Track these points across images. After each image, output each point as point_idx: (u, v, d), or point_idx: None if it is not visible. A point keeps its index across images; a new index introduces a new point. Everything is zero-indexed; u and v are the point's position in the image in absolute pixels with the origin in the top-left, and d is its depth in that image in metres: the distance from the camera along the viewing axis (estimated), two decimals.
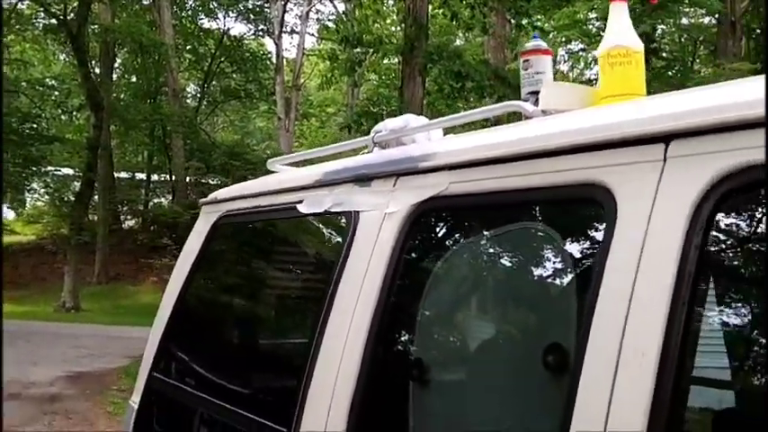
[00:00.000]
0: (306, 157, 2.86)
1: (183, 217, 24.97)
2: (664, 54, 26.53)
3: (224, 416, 2.36)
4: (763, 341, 1.24)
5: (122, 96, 29.34)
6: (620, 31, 1.85)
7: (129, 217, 30.08)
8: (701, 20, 24.28)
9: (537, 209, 1.65)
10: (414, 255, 1.93)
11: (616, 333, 1.29)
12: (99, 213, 26.13)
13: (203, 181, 28.44)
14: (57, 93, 29.21)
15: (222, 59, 30.71)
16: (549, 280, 1.65)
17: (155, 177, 31.21)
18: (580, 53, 25.42)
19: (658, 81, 20.79)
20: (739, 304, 1.30)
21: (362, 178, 2.11)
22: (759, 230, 1.27)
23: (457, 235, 1.98)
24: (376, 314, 1.83)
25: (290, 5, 30.24)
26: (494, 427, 1.63)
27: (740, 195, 1.25)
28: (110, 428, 8.40)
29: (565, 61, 29.01)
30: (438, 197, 1.81)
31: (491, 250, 1.82)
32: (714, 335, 1.29)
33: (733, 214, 1.28)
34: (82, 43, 22.19)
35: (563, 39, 24.12)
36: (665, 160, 1.35)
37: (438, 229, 2.02)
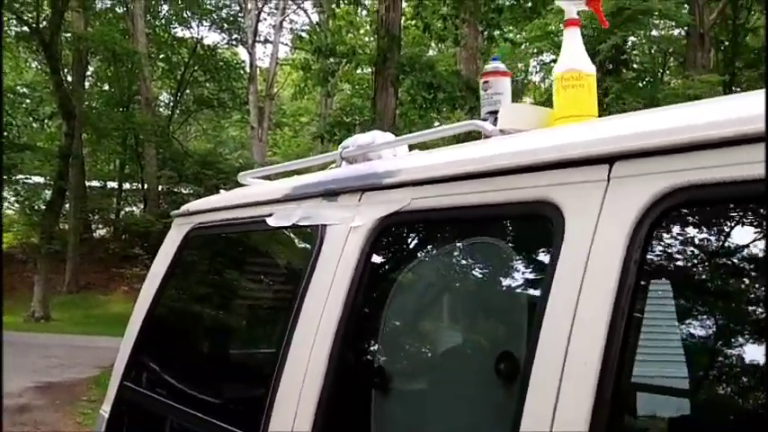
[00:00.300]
0: (276, 171, 2.93)
1: (155, 226, 24.83)
2: (635, 65, 26.94)
3: (194, 424, 2.42)
4: (697, 349, 1.34)
5: (95, 105, 29.11)
6: (574, 55, 1.95)
7: (100, 226, 29.83)
8: (671, 31, 24.67)
9: (493, 224, 1.74)
10: (377, 267, 2.01)
11: (562, 341, 1.38)
12: (70, 222, 25.89)
13: (175, 190, 28.30)
14: (28, 100, 28.92)
15: (195, 68, 30.62)
16: (503, 291, 1.74)
17: (126, 186, 31.00)
18: (552, 64, 25.74)
19: (629, 92, 21.14)
20: (674, 315, 1.39)
21: (330, 193, 2.19)
22: (692, 247, 1.36)
23: (418, 248, 2.06)
24: (341, 324, 1.91)
25: (263, 15, 30.28)
26: (449, 428, 1.71)
27: (675, 214, 1.35)
28: None
29: (536, 72, 29.37)
30: (401, 212, 1.89)
31: (450, 263, 1.91)
32: (652, 344, 1.38)
33: (668, 231, 1.37)
34: (55, 51, 22.02)
35: (534, 50, 24.44)
36: (608, 180, 1.45)
37: (400, 243, 2.10)
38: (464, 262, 1.87)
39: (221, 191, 3.15)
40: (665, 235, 1.37)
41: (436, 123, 23.85)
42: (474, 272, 1.88)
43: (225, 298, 2.95)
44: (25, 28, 23.05)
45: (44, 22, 22.68)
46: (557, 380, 1.36)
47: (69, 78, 26.37)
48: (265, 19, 30.79)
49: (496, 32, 16.22)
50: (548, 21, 20.00)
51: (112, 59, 27.44)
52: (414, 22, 16.38)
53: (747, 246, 1.31)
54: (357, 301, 1.91)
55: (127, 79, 29.12)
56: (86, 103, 27.43)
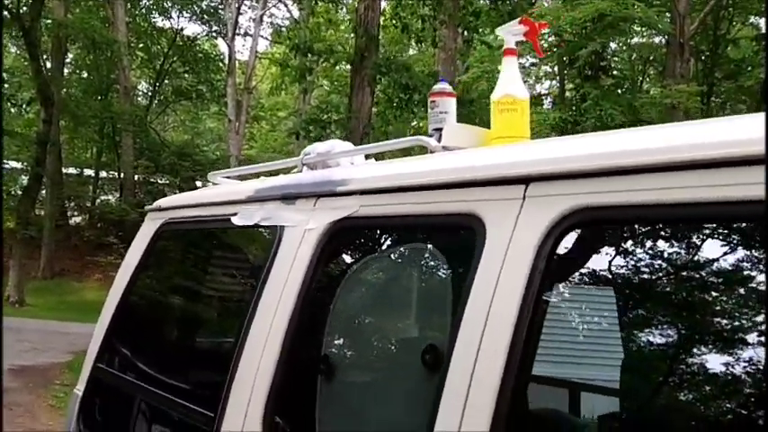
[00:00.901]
0: (245, 172, 3.14)
1: (130, 215, 24.87)
2: (614, 72, 27.33)
3: (161, 403, 2.63)
4: (586, 344, 1.58)
5: (73, 92, 29.00)
6: (510, 82, 2.18)
7: (75, 213, 29.76)
8: (651, 39, 24.99)
9: (428, 232, 1.97)
10: (327, 267, 2.23)
11: (478, 334, 1.61)
12: (46, 208, 25.82)
13: (152, 180, 28.35)
14: (7, 86, 28.76)
15: (174, 59, 30.61)
16: (432, 291, 1.97)
17: (103, 174, 30.93)
18: (531, 68, 26.00)
19: (607, 99, 21.48)
20: (570, 317, 1.63)
21: (288, 197, 2.40)
22: (588, 259, 1.60)
23: (364, 251, 2.28)
24: (293, 317, 2.13)
25: (244, 8, 30.31)
26: (383, 411, 1.94)
27: (576, 230, 1.58)
28: (52, 421, 8.49)
29: None
30: (350, 217, 2.11)
31: (390, 265, 2.14)
32: (550, 340, 1.62)
33: (569, 245, 1.60)
34: (34, 37, 21.97)
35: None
36: (524, 198, 1.68)
37: (349, 245, 2.32)
38: (402, 264, 2.10)
39: (197, 184, 3.35)
40: (566, 247, 1.61)
41: (413, 122, 24.10)
42: (410, 273, 2.11)
43: (192, 290, 3.17)
44: (6, 13, 22.94)
45: (24, 8, 22.61)
46: (471, 366, 1.59)
47: (48, 65, 26.29)
48: (246, 12, 30.84)
49: (474, 35, 16.46)
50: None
51: (92, 47, 27.36)
52: (393, 21, 16.57)
53: (636, 258, 1.55)
54: (308, 297, 2.13)
55: (106, 68, 29.04)
56: (65, 90, 27.34)
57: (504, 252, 1.65)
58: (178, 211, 3.05)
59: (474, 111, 14.38)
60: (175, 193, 25.06)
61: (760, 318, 1.32)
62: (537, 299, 1.56)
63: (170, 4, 29.97)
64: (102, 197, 30.69)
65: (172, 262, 3.27)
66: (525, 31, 2.18)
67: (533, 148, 1.85)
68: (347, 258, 2.31)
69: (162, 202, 3.23)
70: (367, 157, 2.71)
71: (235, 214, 2.60)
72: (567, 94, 27.13)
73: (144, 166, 27.28)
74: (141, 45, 31.03)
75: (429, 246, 1.98)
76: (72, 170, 30.70)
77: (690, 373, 1.46)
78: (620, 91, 25.55)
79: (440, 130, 2.28)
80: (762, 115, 1.51)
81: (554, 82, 25.87)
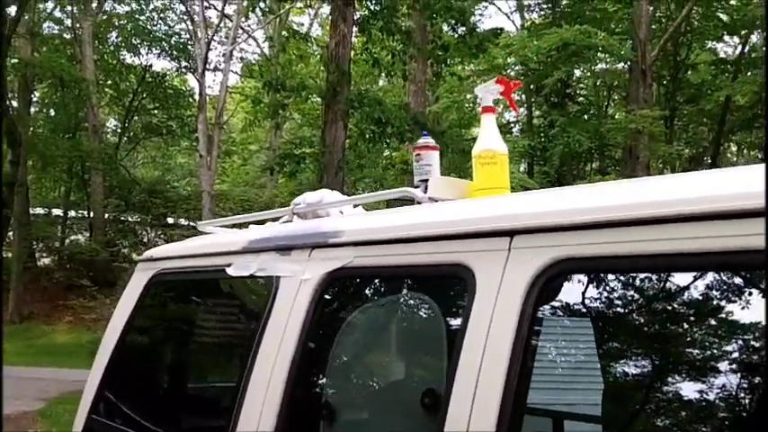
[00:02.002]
0: (235, 222, 3.25)
1: (101, 255, 24.68)
2: (580, 98, 27.87)
3: None
4: (572, 381, 1.71)
5: (40, 131, 28.83)
6: (489, 138, 2.34)
7: (44, 254, 29.40)
8: (615, 66, 25.53)
9: (420, 281, 2.10)
10: (324, 315, 2.34)
11: (472, 379, 1.74)
12: (13, 250, 25.50)
13: (122, 218, 28.18)
14: None
15: (144, 95, 30.61)
16: (427, 338, 2.10)
17: (72, 214, 30.64)
18: (499, 97, 26.32)
19: (573, 125, 21.92)
20: (556, 357, 1.76)
21: (283, 248, 2.52)
22: (569, 304, 1.74)
23: (360, 300, 2.41)
24: (293, 364, 2.24)
25: (213, 44, 30.44)
26: None
27: (557, 279, 1.72)
28: None
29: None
30: (345, 268, 2.23)
31: (385, 313, 2.27)
32: (539, 378, 1.75)
33: (552, 292, 1.74)
34: (1, 77, 21.90)
35: (481, 82, 25.12)
36: (509, 250, 1.82)
37: (345, 295, 2.44)
38: (397, 313, 2.23)
39: (168, 221, 3.44)
40: (550, 294, 1.75)
41: (386, 153, 24.32)
42: (405, 321, 2.23)
43: (187, 339, 3.25)
44: None
45: None
46: (469, 406, 1.71)
47: (15, 104, 26.16)
48: (216, 47, 30.98)
49: (443, 67, 16.76)
50: (495, 54, 20.64)
51: (59, 86, 27.31)
52: (363, 56, 16.82)
53: (613, 302, 1.70)
54: (307, 345, 2.24)
55: (74, 106, 28.96)
56: (31, 128, 27.18)
57: (494, 299, 1.78)
58: (170, 261, 3.15)
59: (446, 143, 14.61)
60: (146, 231, 24.76)
61: (729, 363, 1.47)
62: (527, 342, 1.70)
63: (138, 41, 30.03)
64: (72, 237, 30.36)
65: (166, 312, 3.35)
66: (501, 90, 2.34)
67: (517, 201, 2.00)
68: (344, 307, 2.43)
69: (153, 252, 3.32)
70: (355, 205, 2.84)
71: (229, 265, 2.71)
72: (535, 121, 27.64)
73: (114, 205, 27.13)
74: (110, 82, 30.99)
75: (422, 294, 2.11)
76: (40, 210, 30.40)
77: (659, 400, 1.61)
78: (586, 117, 26.07)
79: (426, 181, 2.42)
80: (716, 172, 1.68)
81: (522, 110, 26.29)
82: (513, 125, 27.89)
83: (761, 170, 1.64)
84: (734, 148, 29.44)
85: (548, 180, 21.99)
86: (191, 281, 3.11)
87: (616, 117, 24.74)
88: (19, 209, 25.04)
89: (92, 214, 28.24)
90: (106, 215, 27.65)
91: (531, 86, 24.08)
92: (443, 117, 23.28)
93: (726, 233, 1.44)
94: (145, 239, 27.74)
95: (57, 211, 30.84)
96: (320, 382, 2.26)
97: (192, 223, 24.86)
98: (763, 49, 23.95)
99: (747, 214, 1.41)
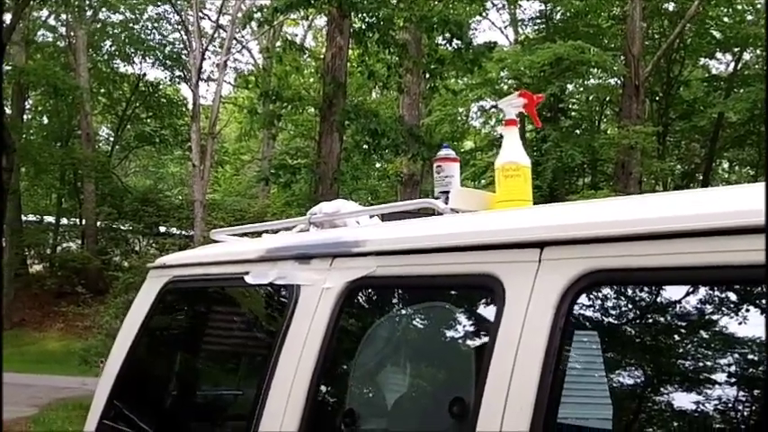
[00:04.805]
0: (248, 230, 3.25)
1: (92, 263, 24.57)
2: (573, 113, 28.01)
3: None
4: (606, 393, 1.72)
5: (33, 138, 28.74)
6: (513, 150, 2.36)
7: (36, 261, 29.24)
8: (607, 81, 25.68)
9: (446, 291, 2.11)
10: (346, 324, 2.35)
11: (503, 389, 1.75)
12: (5, 257, 25.35)
13: (114, 226, 28.09)
14: None
15: (137, 104, 30.59)
16: (454, 348, 2.11)
17: (64, 221, 30.52)
18: (492, 110, 26.43)
19: (566, 140, 22.03)
20: (588, 368, 1.78)
21: (303, 257, 2.52)
22: (600, 316, 1.76)
23: (382, 309, 2.42)
24: (315, 373, 2.24)
25: (207, 53, 30.46)
26: None
27: (588, 291, 1.74)
28: None
29: (477, 117, 30.18)
30: (367, 277, 2.24)
31: (410, 323, 2.28)
32: (572, 390, 1.76)
33: (583, 305, 1.76)
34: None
35: (475, 96, 25.24)
36: (540, 261, 1.83)
37: (367, 304, 2.45)
38: (422, 322, 2.24)
39: (160, 229, 3.44)
40: (581, 306, 1.76)
41: (377, 165, 24.35)
42: (430, 331, 2.24)
43: (203, 347, 3.25)
44: None
45: None
46: (500, 417, 1.72)
47: (8, 111, 26.07)
48: (209, 57, 30.99)
49: (438, 82, 16.83)
50: (488, 69, 20.74)
51: (53, 93, 27.26)
52: (358, 68, 16.88)
53: (642, 315, 1.72)
54: (329, 354, 2.24)
55: (67, 113, 28.91)
56: (24, 135, 27.09)
57: (525, 310, 1.80)
58: (184, 269, 3.15)
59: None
60: (138, 240, 24.69)
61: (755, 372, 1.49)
62: (558, 354, 1.71)
63: (132, 50, 30.02)
64: (64, 245, 30.23)
65: (180, 319, 3.35)
66: (524, 103, 2.36)
67: (547, 212, 2.01)
68: (367, 316, 2.43)
69: (166, 259, 3.32)
70: (371, 216, 2.85)
71: (246, 273, 2.71)
72: (528, 135, 27.76)
73: (106, 213, 27.05)
74: (103, 90, 30.95)
75: (449, 304, 2.12)
76: (32, 217, 30.26)
77: (687, 413, 1.62)
78: (578, 132, 26.18)
79: (447, 193, 2.44)
80: (758, 186, 1.70)
81: None
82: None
83: None
84: (726, 165, 29.63)
85: (540, 194, 22.04)
86: (205, 288, 3.11)
87: (609, 132, 24.89)
88: (11, 216, 24.93)
89: (84, 222, 28.14)
90: (98, 223, 27.56)
91: None
92: (436, 130, 23.34)
93: (756, 247, 1.46)
94: (136, 248, 27.68)
95: (49, 219, 30.71)
96: (343, 391, 2.27)
97: (184, 232, 24.82)
98: (756, 66, 24.18)
99: None
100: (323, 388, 2.24)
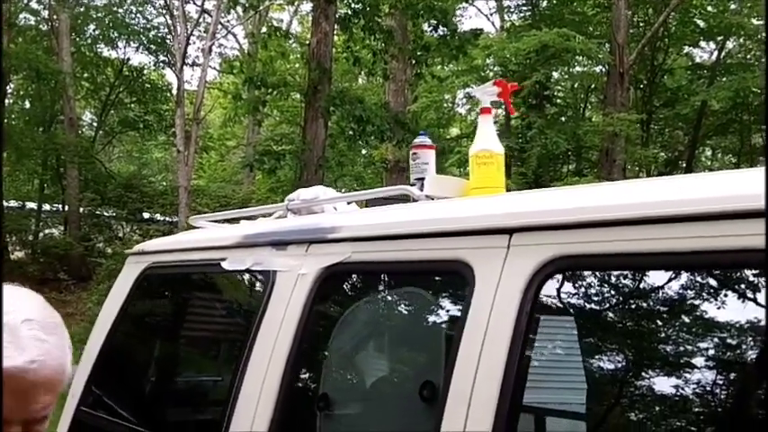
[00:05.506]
0: (227, 217, 3.27)
1: (76, 249, 24.43)
2: (558, 101, 28.07)
3: None
4: (567, 376, 1.76)
5: (15, 123, 28.48)
6: (486, 138, 2.39)
7: (17, 248, 29.03)
8: (593, 69, 25.71)
9: (418, 277, 2.14)
10: (321, 310, 2.38)
11: (471, 373, 1.78)
12: None
13: (98, 212, 27.92)
14: None
15: (121, 89, 30.34)
16: (425, 332, 2.14)
17: (47, 207, 30.29)
18: (476, 97, 26.36)
19: (551, 128, 22.09)
20: (554, 351, 1.82)
21: (279, 243, 2.55)
22: (565, 301, 1.80)
23: (357, 294, 2.45)
24: (290, 356, 2.27)
25: (192, 38, 30.26)
26: None
27: (555, 276, 1.77)
28: None
29: (463, 104, 30.18)
30: (342, 263, 2.27)
31: (382, 308, 2.31)
32: (537, 372, 1.80)
33: (549, 289, 1.79)
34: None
35: (461, 83, 25.25)
36: (508, 247, 1.86)
37: (342, 289, 2.48)
38: (395, 308, 2.27)
39: (144, 216, 3.46)
40: (548, 291, 1.80)
41: (364, 151, 24.33)
42: (403, 316, 2.28)
43: (180, 332, 3.27)
44: None
45: None
46: (467, 398, 1.76)
47: None
48: (194, 42, 30.79)
49: (423, 69, 16.81)
50: (474, 56, 20.75)
51: (36, 78, 27.00)
52: (344, 54, 16.84)
53: (607, 300, 1.76)
54: (304, 339, 2.27)
55: (50, 98, 28.65)
56: (6, 121, 26.84)
57: (493, 295, 1.83)
58: (162, 255, 3.16)
59: None
60: (122, 226, 24.54)
61: (715, 358, 1.53)
62: (525, 337, 1.75)
63: (116, 35, 29.77)
64: (46, 231, 30.00)
65: (157, 305, 3.37)
66: (499, 91, 2.39)
67: (516, 199, 2.05)
68: (341, 301, 2.46)
69: (145, 245, 3.33)
70: (348, 202, 2.87)
71: (223, 259, 2.73)
72: (513, 122, 27.80)
73: (89, 199, 26.87)
74: (87, 75, 30.67)
75: (420, 289, 2.15)
76: (14, 203, 30.01)
77: (654, 395, 1.67)
78: (563, 119, 26.26)
79: (422, 179, 2.46)
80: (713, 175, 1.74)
81: (500, 110, 26.42)
82: None
83: (752, 173, 1.71)
84: (709, 153, 29.83)
85: (525, 181, 22.11)
86: (183, 274, 3.12)
87: (593, 120, 24.95)
88: None
89: (67, 208, 27.94)
90: (81, 209, 27.36)
91: None
92: (422, 116, 23.34)
93: (722, 233, 1.50)
94: (120, 234, 27.54)
95: (31, 205, 30.48)
96: (318, 375, 2.30)
97: (168, 218, 24.74)
98: (739, 55, 24.32)
99: (741, 215, 1.47)
100: (297, 373, 2.27)
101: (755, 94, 21.80)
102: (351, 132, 14.98)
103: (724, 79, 22.30)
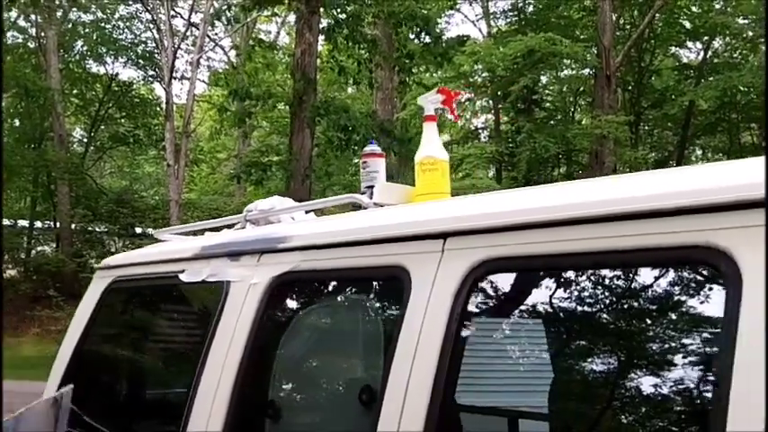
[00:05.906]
0: (191, 229, 3.30)
1: (68, 266, 24.39)
2: (546, 104, 28.14)
3: None
4: (496, 374, 1.80)
5: (5, 141, 28.45)
6: (431, 145, 2.43)
7: (10, 266, 28.97)
8: (580, 71, 25.78)
9: (362, 283, 2.18)
10: (272, 318, 2.42)
11: (405, 375, 1.82)
12: None
13: (90, 228, 27.89)
14: None
15: (110, 105, 30.38)
16: (368, 338, 2.18)
17: (38, 225, 30.27)
18: (466, 103, 26.54)
19: (540, 131, 22.14)
20: (483, 348, 1.86)
21: (233, 254, 2.58)
22: (493, 301, 1.84)
23: (305, 302, 2.49)
24: (241, 365, 2.31)
25: (180, 52, 30.32)
26: None
27: (484, 278, 1.81)
28: None
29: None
30: (291, 272, 2.31)
31: (328, 315, 2.35)
32: (467, 371, 1.84)
33: (479, 291, 1.83)
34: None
35: (449, 89, 25.25)
36: (443, 252, 1.90)
37: (291, 298, 2.51)
38: (340, 314, 2.31)
39: (136, 230, 3.50)
40: (479, 293, 1.84)
41: (354, 160, 24.37)
42: (347, 322, 2.32)
43: (142, 345, 3.30)
44: None
45: None
46: (401, 400, 1.79)
47: None
48: (182, 56, 30.85)
49: (408, 77, 16.90)
50: (461, 62, 20.82)
51: (24, 95, 27.02)
52: (329, 64, 16.91)
53: (536, 300, 1.80)
54: (254, 348, 2.31)
55: (39, 115, 28.66)
56: None
57: (427, 298, 1.87)
58: (127, 269, 3.19)
59: (413, 149, 14.71)
60: (114, 241, 24.48)
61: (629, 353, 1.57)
62: (456, 337, 1.79)
63: (104, 50, 29.81)
64: (38, 248, 29.98)
65: (122, 319, 3.40)
66: (443, 99, 2.43)
67: (451, 205, 2.09)
68: (290, 309, 2.50)
69: (110, 260, 3.36)
70: (307, 212, 2.91)
71: (182, 271, 2.76)
72: (503, 127, 27.87)
73: (81, 215, 26.86)
74: (75, 91, 30.71)
75: (364, 295, 2.19)
76: (5, 221, 29.97)
77: (576, 391, 1.71)
78: (552, 123, 26.32)
79: (371, 187, 2.50)
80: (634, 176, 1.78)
81: (490, 115, 26.52)
82: (481, 131, 28.11)
83: (675, 171, 1.76)
84: (699, 152, 29.94)
85: (516, 185, 22.18)
86: (146, 287, 3.16)
87: (582, 123, 25.03)
88: None
89: (58, 225, 27.93)
90: (73, 225, 27.36)
91: (498, 93, 24.30)
92: (411, 124, 23.42)
93: (644, 231, 1.53)
94: (113, 249, 27.51)
95: (23, 222, 30.45)
96: (267, 383, 2.33)
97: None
98: (725, 54, 24.44)
99: (658, 214, 1.50)
100: (248, 380, 2.30)
101: (743, 92, 21.94)
102: (337, 142, 15.02)
103: (711, 79, 22.37)
